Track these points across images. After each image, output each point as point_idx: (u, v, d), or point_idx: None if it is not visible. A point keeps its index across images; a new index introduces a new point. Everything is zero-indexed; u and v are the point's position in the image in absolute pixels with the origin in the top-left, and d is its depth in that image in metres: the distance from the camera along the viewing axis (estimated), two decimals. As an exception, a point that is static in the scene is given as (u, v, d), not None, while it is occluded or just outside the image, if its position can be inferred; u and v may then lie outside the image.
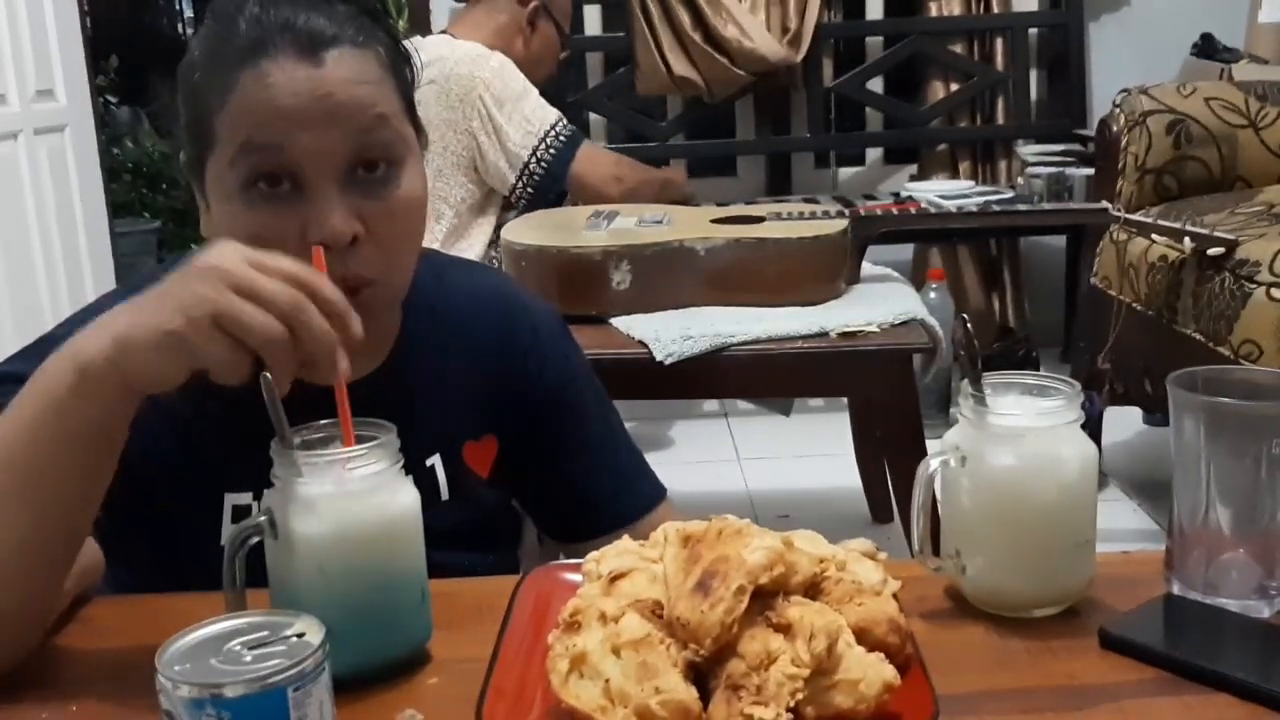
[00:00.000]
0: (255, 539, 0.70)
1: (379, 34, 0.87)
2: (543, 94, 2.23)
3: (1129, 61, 3.36)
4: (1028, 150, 3.31)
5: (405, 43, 0.91)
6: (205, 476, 0.76)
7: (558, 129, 2.17)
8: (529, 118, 2.16)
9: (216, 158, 0.83)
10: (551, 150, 2.16)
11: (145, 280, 0.92)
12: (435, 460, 0.95)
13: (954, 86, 3.47)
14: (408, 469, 0.96)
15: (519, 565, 1.09)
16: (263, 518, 0.69)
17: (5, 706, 0.69)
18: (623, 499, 1.03)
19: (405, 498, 0.72)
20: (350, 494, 0.69)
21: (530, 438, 1.00)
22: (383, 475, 0.71)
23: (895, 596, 0.67)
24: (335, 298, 0.70)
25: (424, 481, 0.93)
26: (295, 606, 0.64)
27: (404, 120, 0.87)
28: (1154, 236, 2.12)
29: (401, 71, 0.89)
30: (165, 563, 0.86)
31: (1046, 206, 2.94)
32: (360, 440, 0.71)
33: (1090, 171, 2.85)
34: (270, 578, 0.71)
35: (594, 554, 0.70)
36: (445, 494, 0.95)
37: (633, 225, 1.81)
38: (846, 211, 1.91)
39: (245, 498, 0.89)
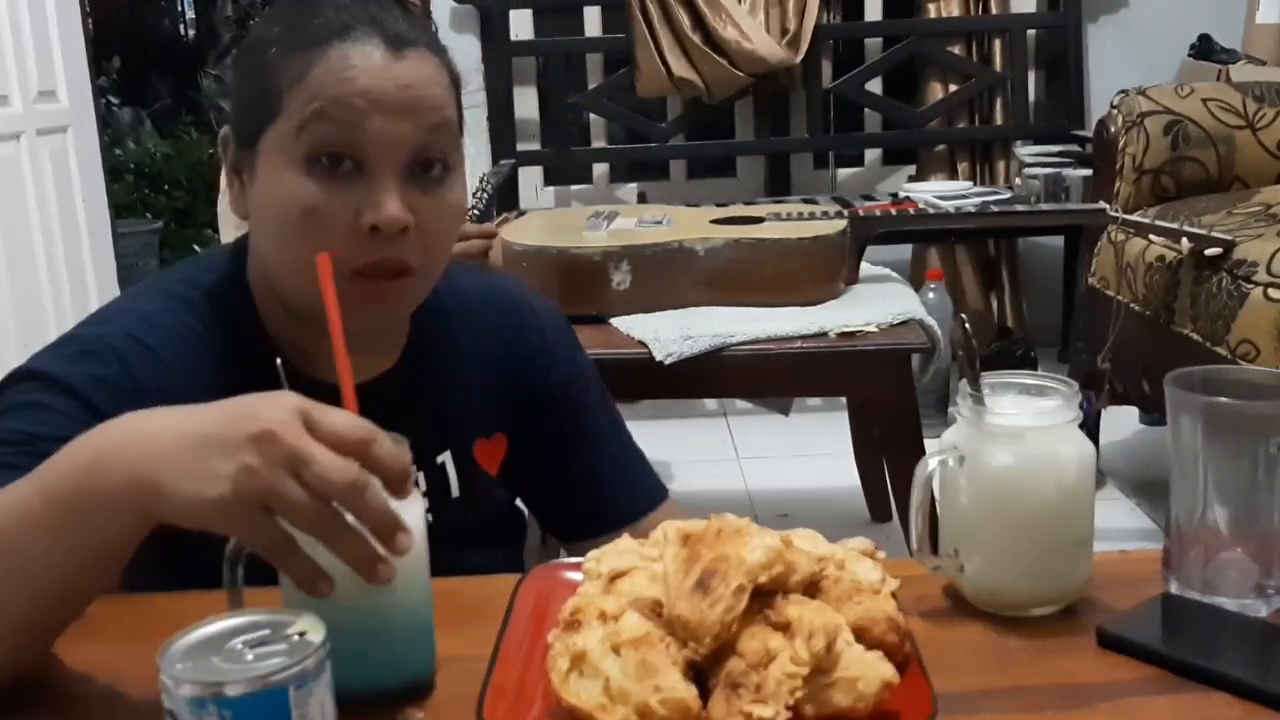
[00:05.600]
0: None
1: (447, 55, 0.90)
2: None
3: (1127, 63, 3.37)
4: (1025, 151, 3.31)
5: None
6: None
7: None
8: None
9: (279, 128, 0.84)
10: None
11: (153, 287, 0.93)
12: (445, 457, 0.96)
13: (952, 87, 3.47)
14: (420, 465, 0.95)
15: (523, 567, 1.09)
16: None
17: (5, 707, 0.69)
18: (626, 497, 1.04)
19: (405, 520, 0.65)
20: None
21: (538, 436, 1.02)
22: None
23: (894, 595, 0.67)
24: (393, 463, 0.64)
25: (435, 479, 0.95)
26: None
27: (459, 133, 0.90)
28: (1151, 237, 2.12)
29: (459, 93, 0.92)
30: (172, 563, 0.86)
31: (1044, 207, 2.94)
32: None
33: (1088, 172, 2.86)
34: (281, 580, 0.68)
35: (594, 553, 0.71)
36: (455, 491, 0.96)
37: (632, 226, 1.81)
38: (845, 212, 1.92)
39: None
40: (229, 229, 1.98)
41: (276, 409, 0.63)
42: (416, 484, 0.71)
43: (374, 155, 0.83)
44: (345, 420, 0.63)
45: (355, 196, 0.83)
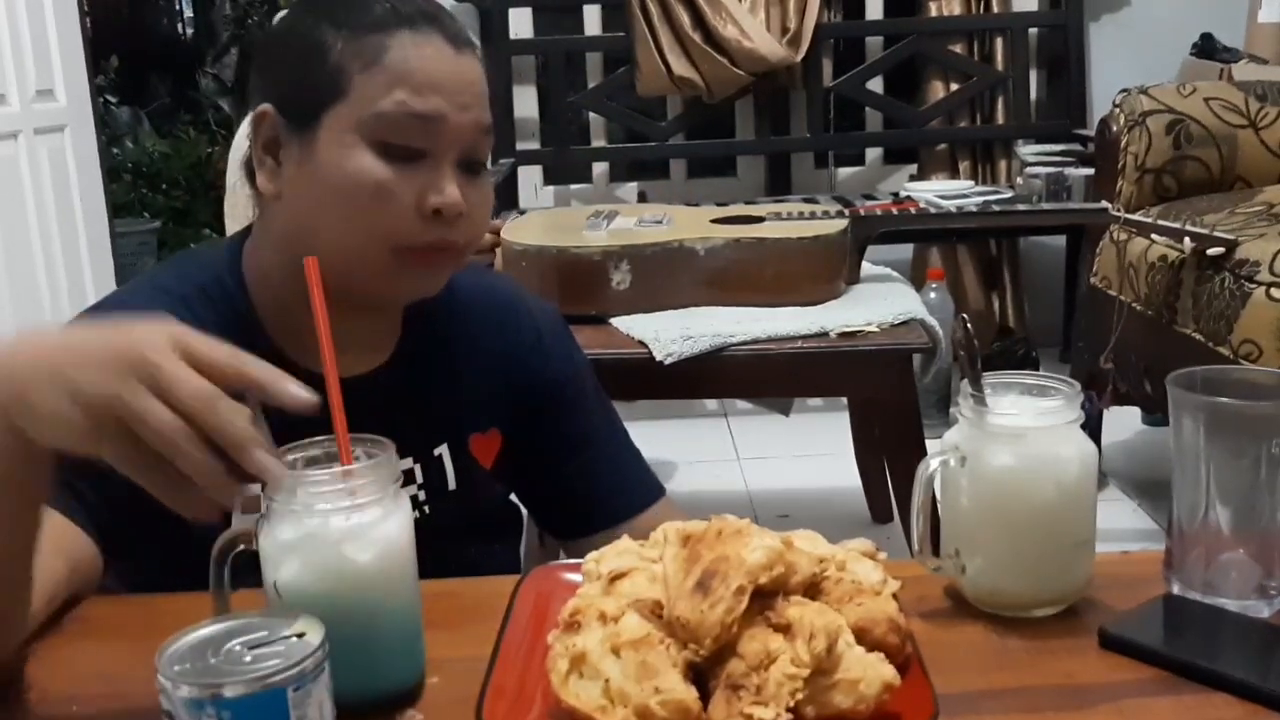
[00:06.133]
0: (241, 546, 0.67)
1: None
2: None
3: (1128, 61, 3.37)
4: (1027, 150, 3.31)
5: None
6: None
7: None
8: None
9: (348, 109, 0.86)
10: None
11: (148, 282, 0.93)
12: (443, 450, 0.97)
13: (954, 86, 3.47)
14: (417, 458, 0.95)
15: (520, 562, 1.10)
16: (257, 517, 0.66)
17: (4, 706, 0.69)
18: (622, 495, 1.04)
19: (392, 528, 0.65)
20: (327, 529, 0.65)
21: (533, 434, 1.02)
22: (369, 510, 0.66)
23: (895, 596, 0.67)
24: (265, 378, 0.64)
25: (432, 471, 0.96)
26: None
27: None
28: (1154, 236, 2.12)
29: None
30: (173, 561, 0.86)
31: (1046, 206, 2.94)
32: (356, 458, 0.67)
33: (1089, 171, 2.85)
34: (265, 585, 0.66)
35: (594, 554, 0.71)
36: (452, 484, 0.97)
37: (632, 225, 1.81)
38: (846, 211, 1.91)
39: (253, 489, 0.89)
40: (235, 228, 1.97)
41: (153, 333, 0.63)
42: (412, 478, 0.71)
43: (440, 143, 0.87)
44: (218, 346, 0.64)
45: (419, 180, 0.86)
